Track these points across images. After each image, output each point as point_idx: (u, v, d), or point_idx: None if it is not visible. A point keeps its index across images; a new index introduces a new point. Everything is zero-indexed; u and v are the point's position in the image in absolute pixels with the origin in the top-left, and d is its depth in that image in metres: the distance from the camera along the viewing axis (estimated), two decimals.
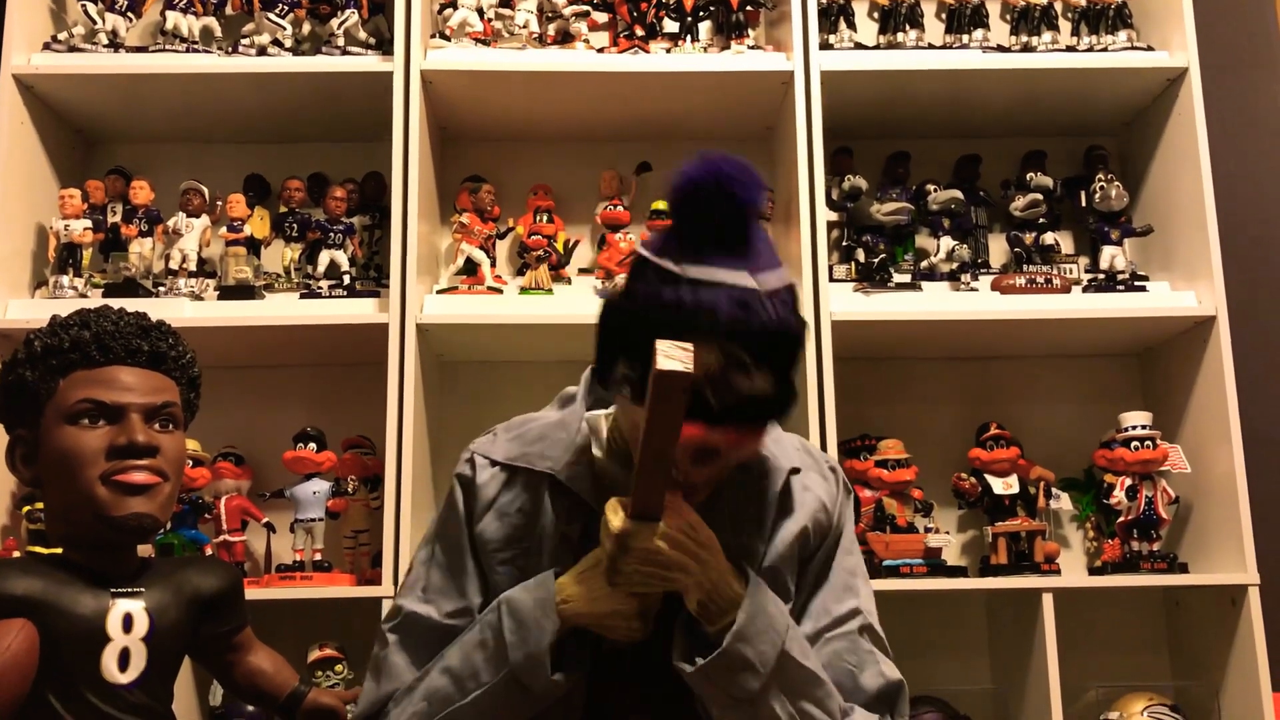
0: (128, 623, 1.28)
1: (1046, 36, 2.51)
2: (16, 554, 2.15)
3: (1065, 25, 2.58)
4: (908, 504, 2.31)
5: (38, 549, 2.09)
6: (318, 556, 2.23)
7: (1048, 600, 2.14)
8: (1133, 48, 2.46)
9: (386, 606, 1.37)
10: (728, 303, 1.09)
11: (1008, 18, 2.59)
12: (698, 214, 1.12)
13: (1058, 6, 2.56)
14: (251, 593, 1.63)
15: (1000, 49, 2.47)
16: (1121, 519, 2.32)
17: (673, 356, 1.02)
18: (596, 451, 1.27)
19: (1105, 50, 2.47)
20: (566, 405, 1.35)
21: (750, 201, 1.12)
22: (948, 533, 2.37)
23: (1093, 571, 2.37)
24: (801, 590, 1.29)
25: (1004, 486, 2.32)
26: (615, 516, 1.15)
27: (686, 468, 1.16)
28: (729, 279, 1.10)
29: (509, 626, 1.19)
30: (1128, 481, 2.31)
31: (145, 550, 1.64)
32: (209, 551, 2.21)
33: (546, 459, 1.28)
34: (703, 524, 1.18)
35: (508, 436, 1.33)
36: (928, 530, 2.29)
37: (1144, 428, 2.32)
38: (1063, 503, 2.36)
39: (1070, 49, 2.50)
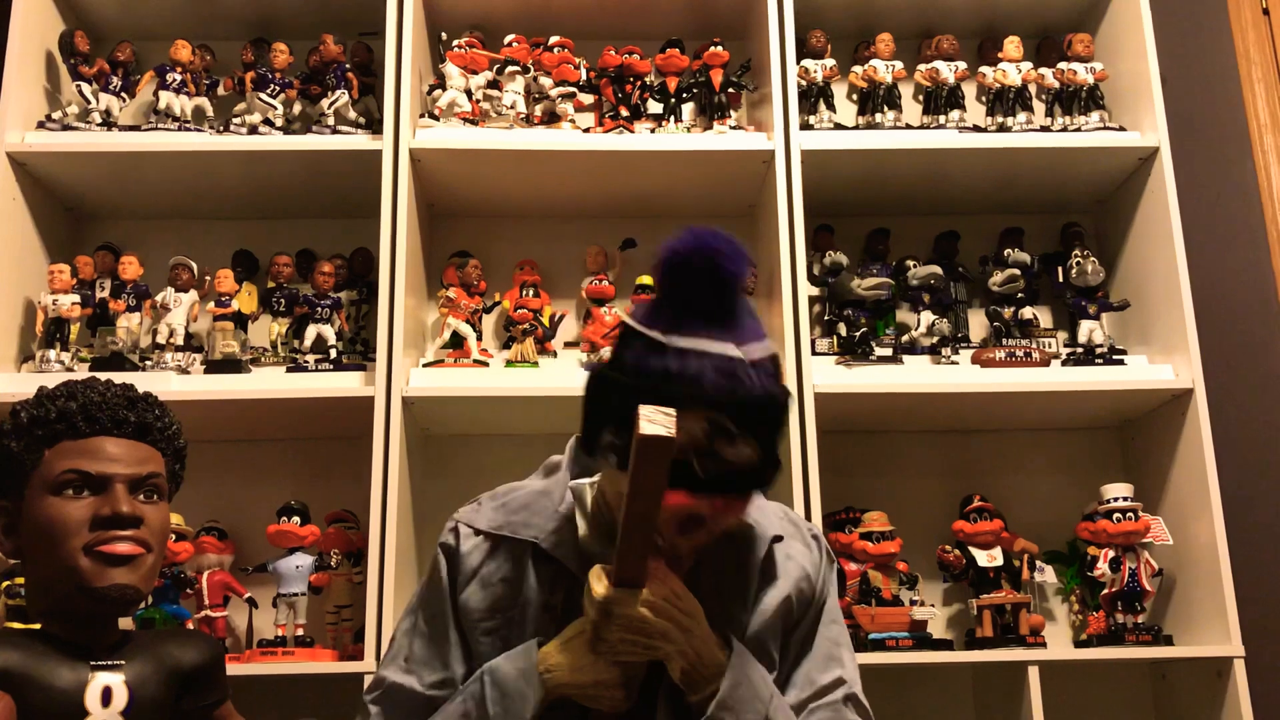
0: (106, 696, 1.26)
1: (1021, 117, 2.57)
2: None
3: (1039, 106, 2.65)
4: (893, 576, 2.31)
5: (15, 625, 2.06)
6: (300, 632, 2.21)
7: (1034, 673, 2.14)
8: (1105, 128, 2.52)
9: (369, 682, 1.35)
10: (713, 372, 1.11)
11: (983, 99, 2.65)
12: (684, 286, 1.15)
13: (1032, 88, 2.63)
14: (233, 669, 1.62)
15: (977, 129, 2.53)
16: (1105, 591, 2.32)
17: (655, 421, 1.03)
18: (581, 524, 1.26)
19: (1079, 130, 2.53)
20: (551, 474, 1.35)
21: (735, 274, 1.15)
22: (933, 605, 2.36)
23: (1078, 644, 2.36)
24: (786, 659, 1.28)
25: (988, 559, 2.32)
26: (599, 583, 1.15)
27: (673, 536, 1.17)
28: (714, 348, 1.13)
29: (492, 697, 1.19)
30: (1111, 553, 2.31)
31: (125, 624, 1.62)
32: (190, 627, 2.19)
33: (530, 527, 1.28)
34: (687, 592, 1.18)
35: (492, 505, 1.33)
36: (913, 603, 2.28)
37: (1125, 499, 2.33)
38: (1047, 575, 2.36)
39: (1045, 129, 2.55)
